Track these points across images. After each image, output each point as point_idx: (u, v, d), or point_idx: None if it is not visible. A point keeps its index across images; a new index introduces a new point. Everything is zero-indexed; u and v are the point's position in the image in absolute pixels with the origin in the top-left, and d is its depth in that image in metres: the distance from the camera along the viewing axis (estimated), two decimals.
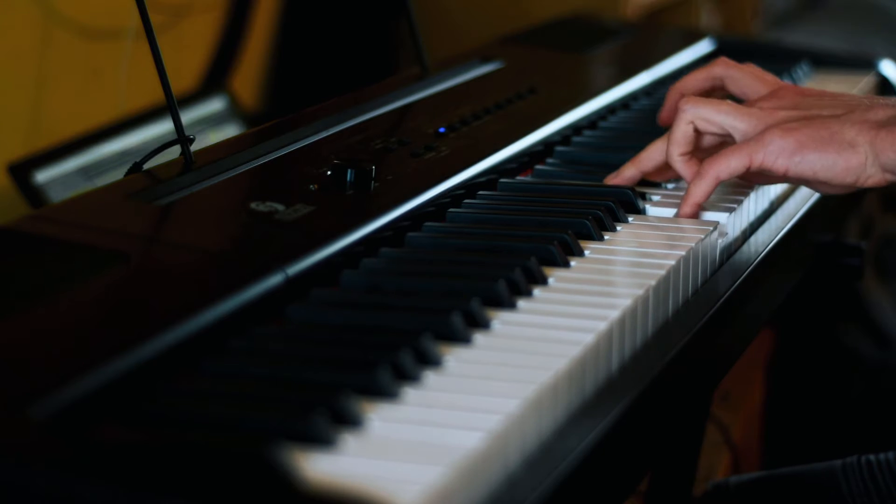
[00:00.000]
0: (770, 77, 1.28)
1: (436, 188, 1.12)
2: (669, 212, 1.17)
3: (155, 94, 1.48)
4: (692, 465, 1.72)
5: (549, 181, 1.24)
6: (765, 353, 2.39)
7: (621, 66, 1.73)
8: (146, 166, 1.09)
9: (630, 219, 1.14)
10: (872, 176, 1.09)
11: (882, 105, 1.11)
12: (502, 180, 1.21)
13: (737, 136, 1.15)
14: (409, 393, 0.81)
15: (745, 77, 1.27)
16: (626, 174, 1.20)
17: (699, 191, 1.13)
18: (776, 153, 1.09)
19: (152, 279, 0.92)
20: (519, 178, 1.23)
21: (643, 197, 1.20)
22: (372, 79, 1.47)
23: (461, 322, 0.88)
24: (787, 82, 1.28)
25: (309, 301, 0.92)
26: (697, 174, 1.13)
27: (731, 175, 1.12)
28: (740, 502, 1.34)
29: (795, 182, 1.16)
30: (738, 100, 1.25)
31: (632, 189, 1.18)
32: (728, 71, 1.28)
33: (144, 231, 0.99)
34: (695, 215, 1.14)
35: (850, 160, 1.08)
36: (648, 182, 1.23)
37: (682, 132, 1.15)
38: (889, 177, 1.09)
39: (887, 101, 1.12)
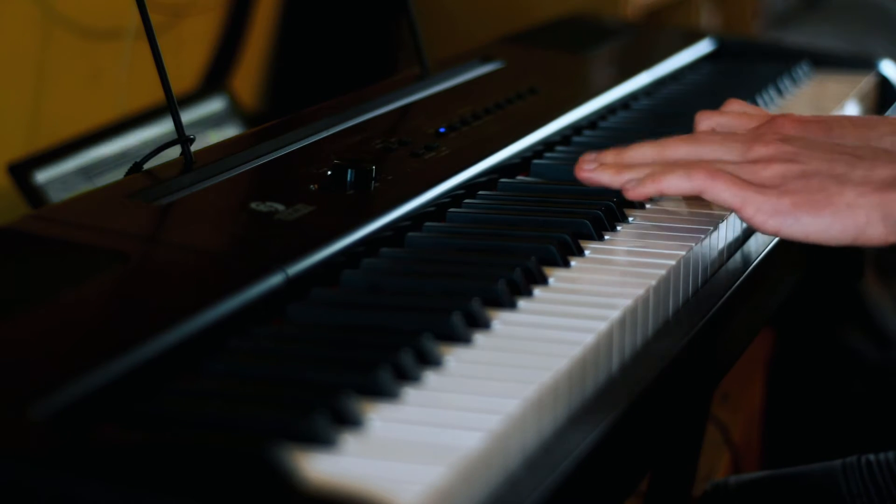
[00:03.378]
0: (752, 109, 1.24)
1: (436, 188, 1.12)
2: (671, 211, 1.17)
3: (155, 94, 1.48)
4: (692, 465, 1.72)
5: (549, 181, 1.24)
6: (765, 353, 2.39)
7: (621, 66, 1.73)
8: (146, 166, 1.09)
9: (631, 218, 1.14)
10: (875, 236, 1.04)
11: (884, 160, 1.06)
12: (502, 180, 1.20)
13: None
14: (410, 393, 0.80)
15: (730, 120, 1.21)
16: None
17: (670, 185, 1.06)
18: (769, 212, 1.04)
19: (152, 279, 0.92)
20: (519, 177, 1.23)
21: None
22: (372, 79, 1.47)
23: (461, 322, 0.88)
24: (775, 113, 1.24)
25: (309, 301, 0.92)
26: (686, 168, 1.06)
27: (713, 198, 1.06)
28: (740, 502, 1.34)
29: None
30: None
31: None
32: (710, 120, 1.22)
33: (144, 231, 0.99)
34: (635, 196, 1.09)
35: (847, 222, 1.03)
36: None
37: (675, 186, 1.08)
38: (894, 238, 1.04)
39: (891, 156, 1.07)
